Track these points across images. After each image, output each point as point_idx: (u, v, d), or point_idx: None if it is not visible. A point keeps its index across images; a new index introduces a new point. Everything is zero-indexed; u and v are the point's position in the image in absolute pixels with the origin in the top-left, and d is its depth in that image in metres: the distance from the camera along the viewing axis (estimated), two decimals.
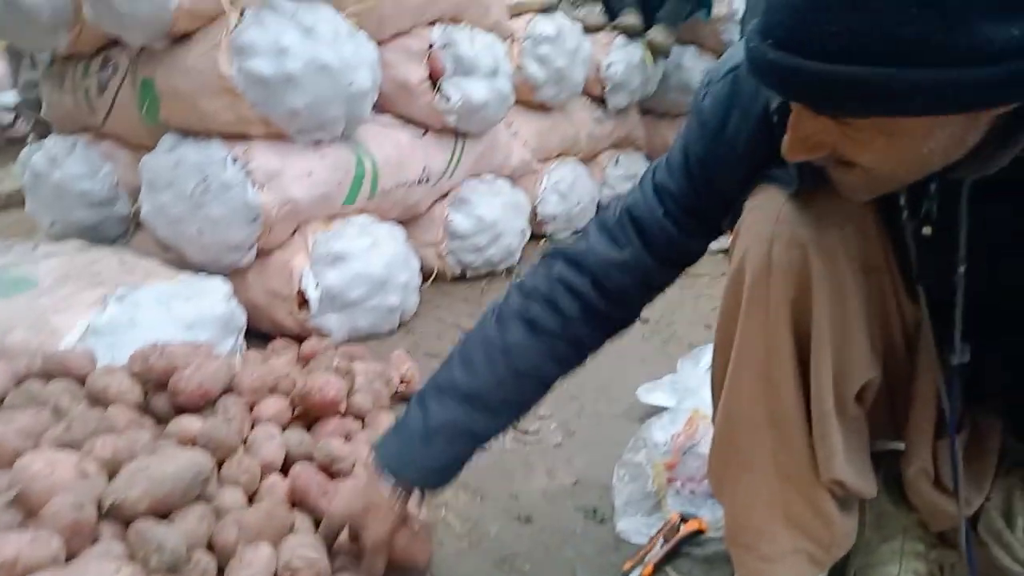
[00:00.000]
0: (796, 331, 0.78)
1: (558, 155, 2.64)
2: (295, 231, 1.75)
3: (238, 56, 1.54)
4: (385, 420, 1.34)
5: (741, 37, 2.84)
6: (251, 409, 1.20)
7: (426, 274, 2.08)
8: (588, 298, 0.90)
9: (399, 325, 1.90)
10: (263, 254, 1.72)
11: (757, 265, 0.77)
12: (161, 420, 1.18)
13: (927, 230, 0.74)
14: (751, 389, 0.81)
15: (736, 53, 0.81)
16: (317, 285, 1.69)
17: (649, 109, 3.15)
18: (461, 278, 2.22)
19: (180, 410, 1.17)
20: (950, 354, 0.78)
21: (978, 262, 0.73)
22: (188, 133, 1.66)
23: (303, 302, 1.69)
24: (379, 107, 1.94)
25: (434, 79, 1.98)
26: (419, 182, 2.02)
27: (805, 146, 0.63)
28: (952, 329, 0.76)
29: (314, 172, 1.70)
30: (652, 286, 0.94)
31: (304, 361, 1.49)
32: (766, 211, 0.78)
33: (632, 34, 2.75)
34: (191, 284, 1.49)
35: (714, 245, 0.91)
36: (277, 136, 1.66)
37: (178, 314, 1.41)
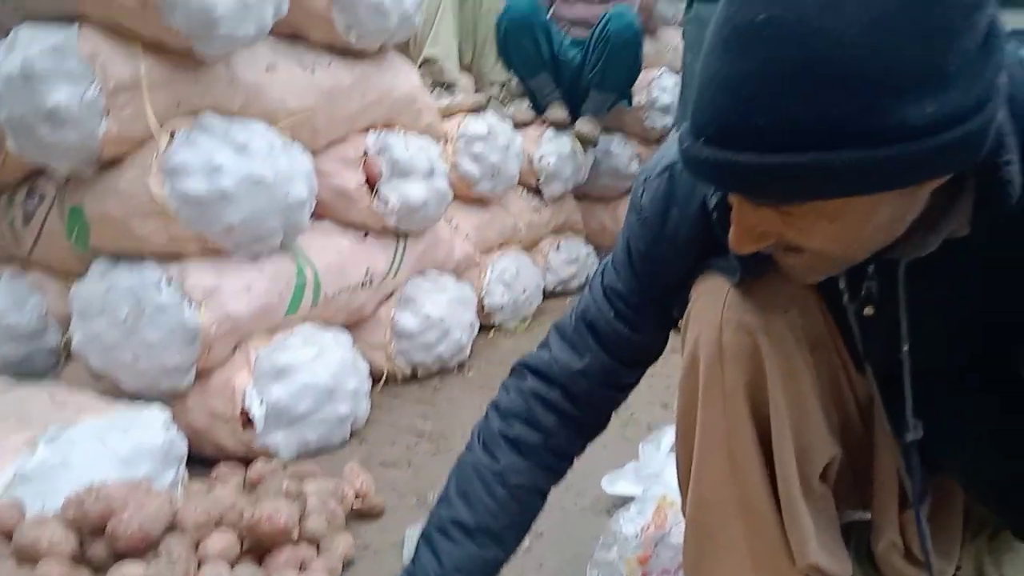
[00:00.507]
0: (755, 415, 0.78)
1: (500, 246, 2.68)
2: (236, 348, 1.70)
3: (170, 177, 1.53)
4: (342, 542, 1.27)
5: (675, 125, 2.99)
6: (197, 546, 1.13)
7: (376, 378, 2.04)
8: (562, 408, 0.92)
9: (351, 435, 1.84)
10: (203, 375, 1.66)
11: (709, 352, 0.78)
12: (99, 569, 1.09)
13: (869, 311, 0.76)
14: (717, 476, 0.81)
15: (670, 150, 0.83)
16: (262, 402, 1.63)
17: (584, 194, 3.24)
18: (412, 378, 2.18)
19: (120, 556, 1.09)
20: (904, 431, 0.79)
21: (920, 339, 0.75)
22: (120, 257, 1.61)
23: (247, 422, 1.62)
24: (318, 214, 1.93)
25: (371, 183, 2.00)
26: (363, 285, 2.00)
27: (751, 237, 0.64)
28: (903, 406, 0.78)
29: (253, 286, 1.67)
30: (620, 387, 0.96)
31: (251, 486, 1.42)
32: (713, 298, 0.79)
33: (560, 127, 2.86)
34: (127, 415, 1.42)
35: None
36: (213, 252, 1.63)
37: (114, 449, 1.33)
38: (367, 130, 2.04)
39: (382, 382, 2.08)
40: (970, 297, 0.70)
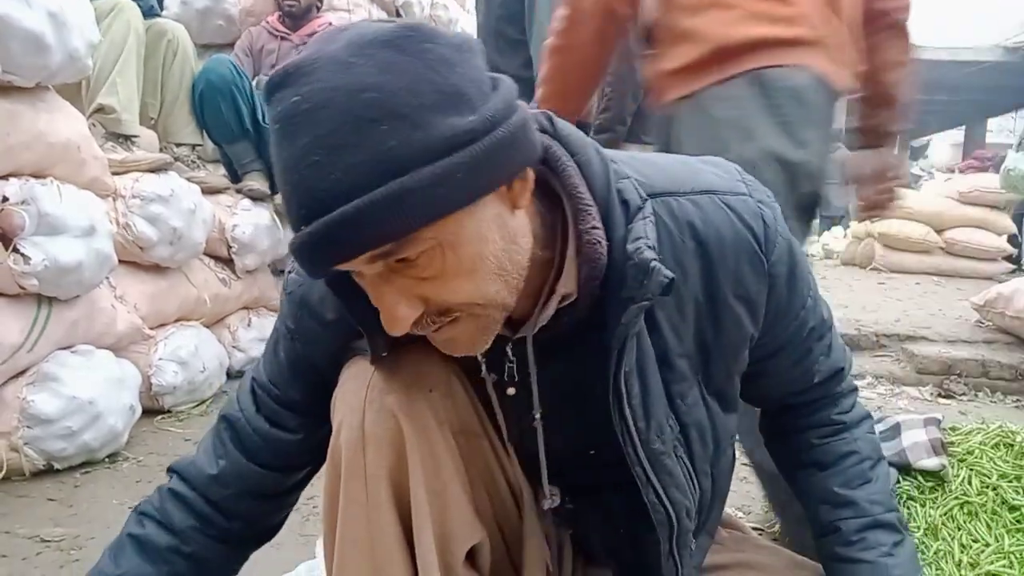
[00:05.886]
0: (398, 501, 0.75)
1: (177, 320, 2.42)
2: None
3: None
4: None
5: None
6: None
7: None
8: (203, 513, 0.84)
9: None
10: None
11: (351, 437, 0.75)
12: None
13: (511, 391, 0.79)
14: (359, 569, 0.76)
15: None
16: None
17: (284, 270, 3.11)
18: (47, 472, 1.82)
19: None
20: (543, 500, 0.83)
21: (555, 412, 0.80)
22: None
23: None
24: None
25: (8, 238, 1.69)
26: None
27: (399, 312, 0.64)
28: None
29: None
30: (270, 495, 0.87)
31: None
32: (358, 381, 0.76)
33: (258, 198, 2.74)
34: None
35: None
36: None
37: None
38: (9, 177, 1.73)
39: None
40: (595, 372, 0.76)
